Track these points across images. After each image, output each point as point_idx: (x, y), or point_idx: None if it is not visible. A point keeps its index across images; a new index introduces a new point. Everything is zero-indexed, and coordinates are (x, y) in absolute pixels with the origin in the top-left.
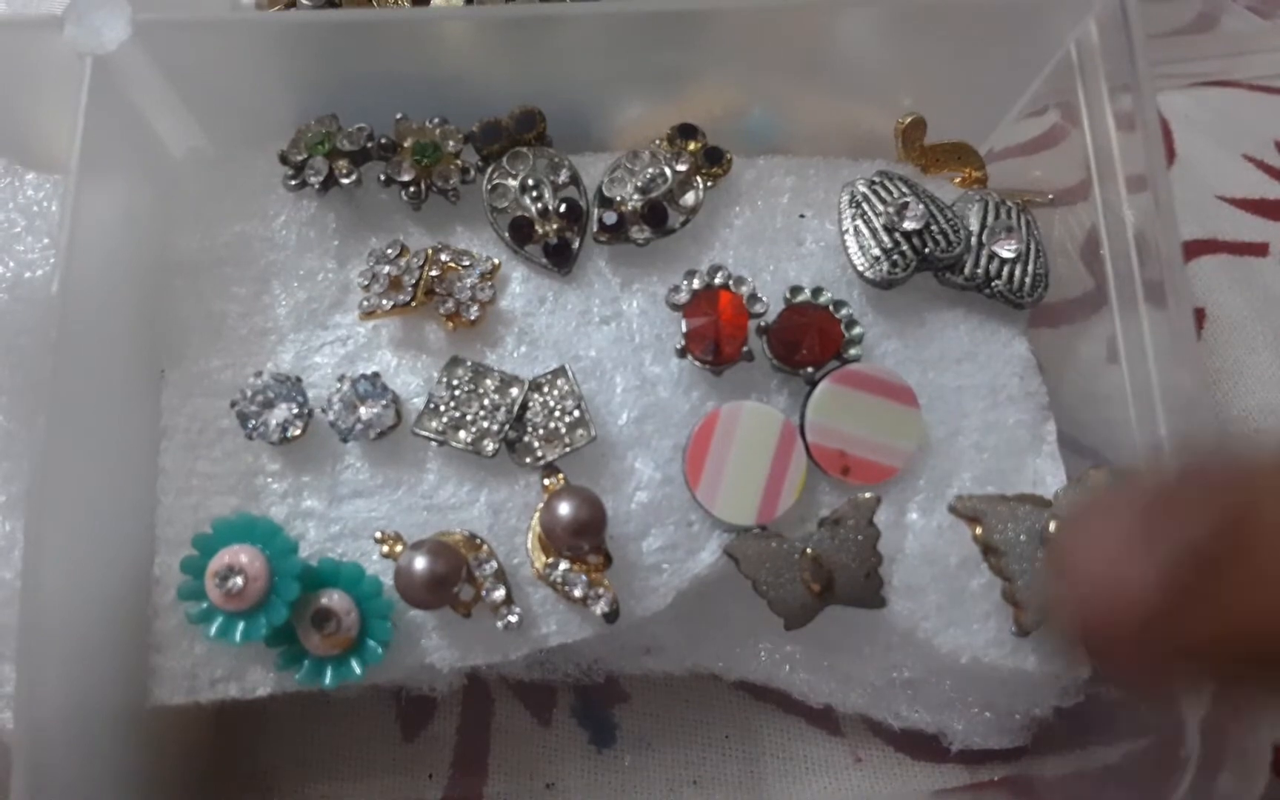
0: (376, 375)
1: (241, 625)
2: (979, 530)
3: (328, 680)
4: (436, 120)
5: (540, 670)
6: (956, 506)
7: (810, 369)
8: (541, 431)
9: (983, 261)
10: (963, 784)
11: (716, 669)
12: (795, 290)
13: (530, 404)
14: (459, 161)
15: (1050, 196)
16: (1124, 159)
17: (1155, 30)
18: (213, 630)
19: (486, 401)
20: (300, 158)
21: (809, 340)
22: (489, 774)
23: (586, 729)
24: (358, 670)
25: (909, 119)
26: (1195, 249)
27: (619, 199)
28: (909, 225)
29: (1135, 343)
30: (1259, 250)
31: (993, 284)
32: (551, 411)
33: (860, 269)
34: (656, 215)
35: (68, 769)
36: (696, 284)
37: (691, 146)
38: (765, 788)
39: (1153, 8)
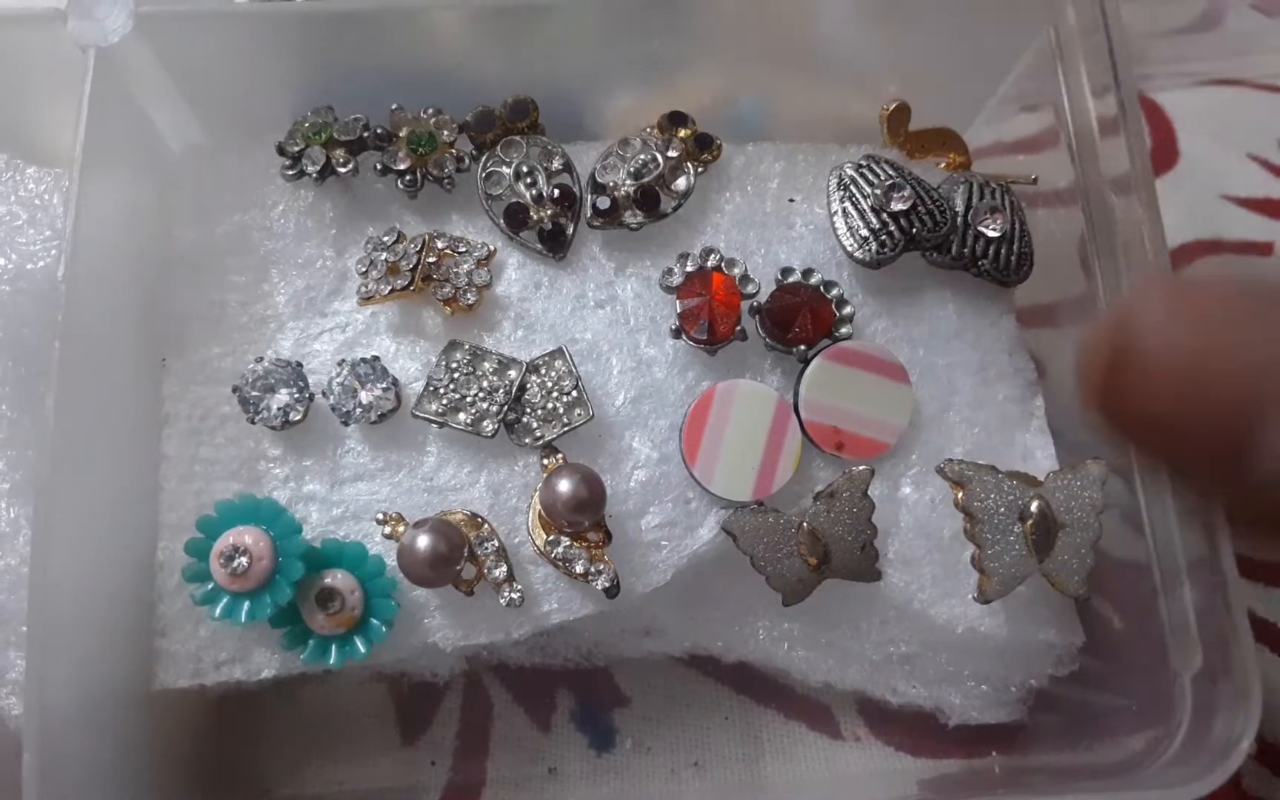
0: (376, 359)
1: (246, 605)
2: (961, 495)
3: (332, 659)
4: (431, 110)
5: (541, 654)
6: (945, 470)
7: (803, 347)
8: (540, 412)
9: (969, 241)
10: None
11: (715, 649)
12: (786, 272)
13: (528, 385)
14: (454, 150)
15: (1034, 178)
16: (1106, 158)
17: (1159, 29)
18: (218, 611)
19: (485, 383)
20: (297, 148)
21: (801, 319)
22: (488, 781)
23: (586, 733)
24: (362, 649)
25: (893, 105)
26: (1200, 249)
27: (612, 184)
28: (896, 206)
29: None
30: (1264, 250)
31: (979, 263)
32: (549, 392)
33: (849, 250)
34: (649, 200)
35: (75, 754)
36: (690, 266)
37: (682, 133)
38: (765, 766)
39: (1157, 6)
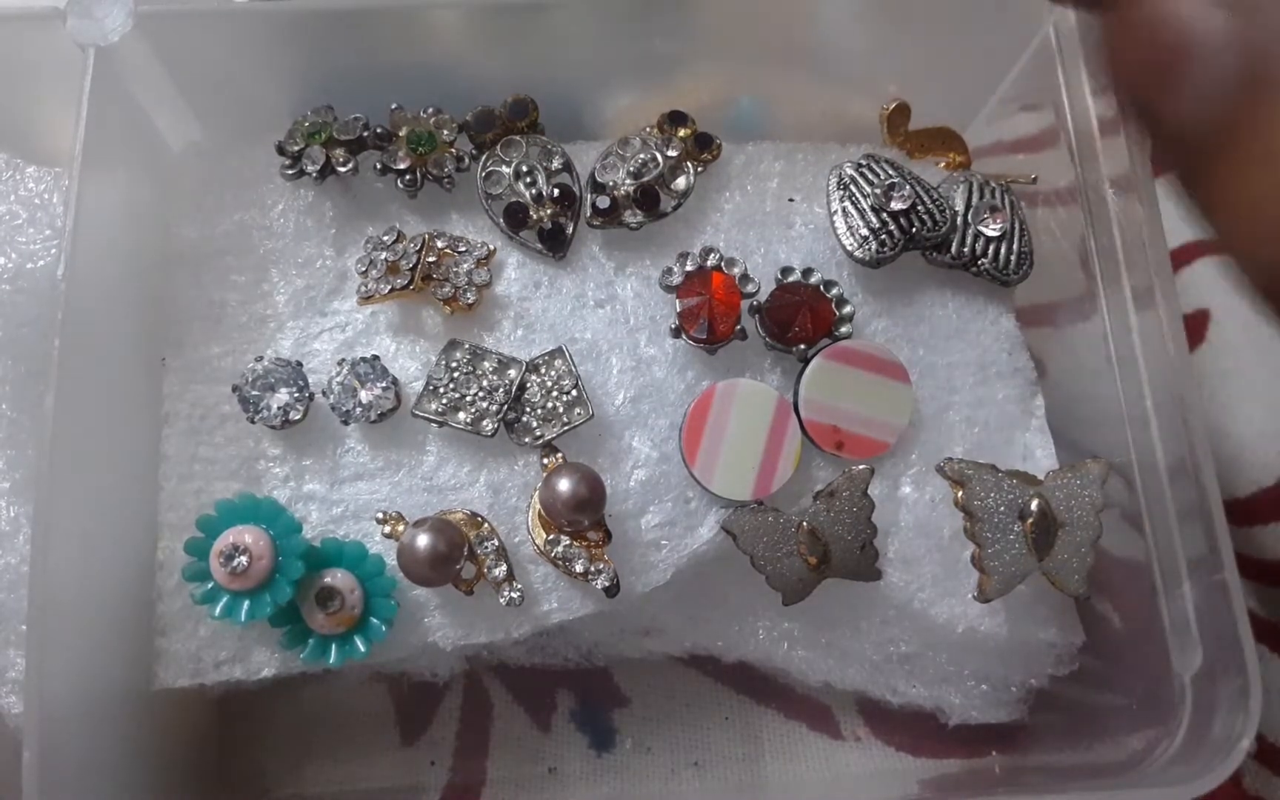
0: (376, 358)
1: (246, 604)
2: (960, 494)
3: (332, 659)
4: (430, 110)
5: (541, 655)
6: (945, 469)
7: (802, 346)
8: (540, 411)
9: (969, 240)
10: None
11: (715, 649)
12: (786, 271)
13: (528, 385)
14: (454, 150)
15: (1034, 178)
16: (1106, 157)
17: None
18: (218, 610)
19: (485, 383)
20: (297, 148)
21: (801, 318)
22: (488, 781)
23: (586, 733)
24: (362, 648)
25: (893, 105)
26: (1199, 250)
27: (611, 184)
28: (896, 205)
29: (1125, 344)
30: None
31: (979, 262)
32: (549, 391)
33: (849, 249)
34: (649, 199)
35: (76, 753)
36: (689, 266)
37: (682, 133)
38: (765, 767)
39: None
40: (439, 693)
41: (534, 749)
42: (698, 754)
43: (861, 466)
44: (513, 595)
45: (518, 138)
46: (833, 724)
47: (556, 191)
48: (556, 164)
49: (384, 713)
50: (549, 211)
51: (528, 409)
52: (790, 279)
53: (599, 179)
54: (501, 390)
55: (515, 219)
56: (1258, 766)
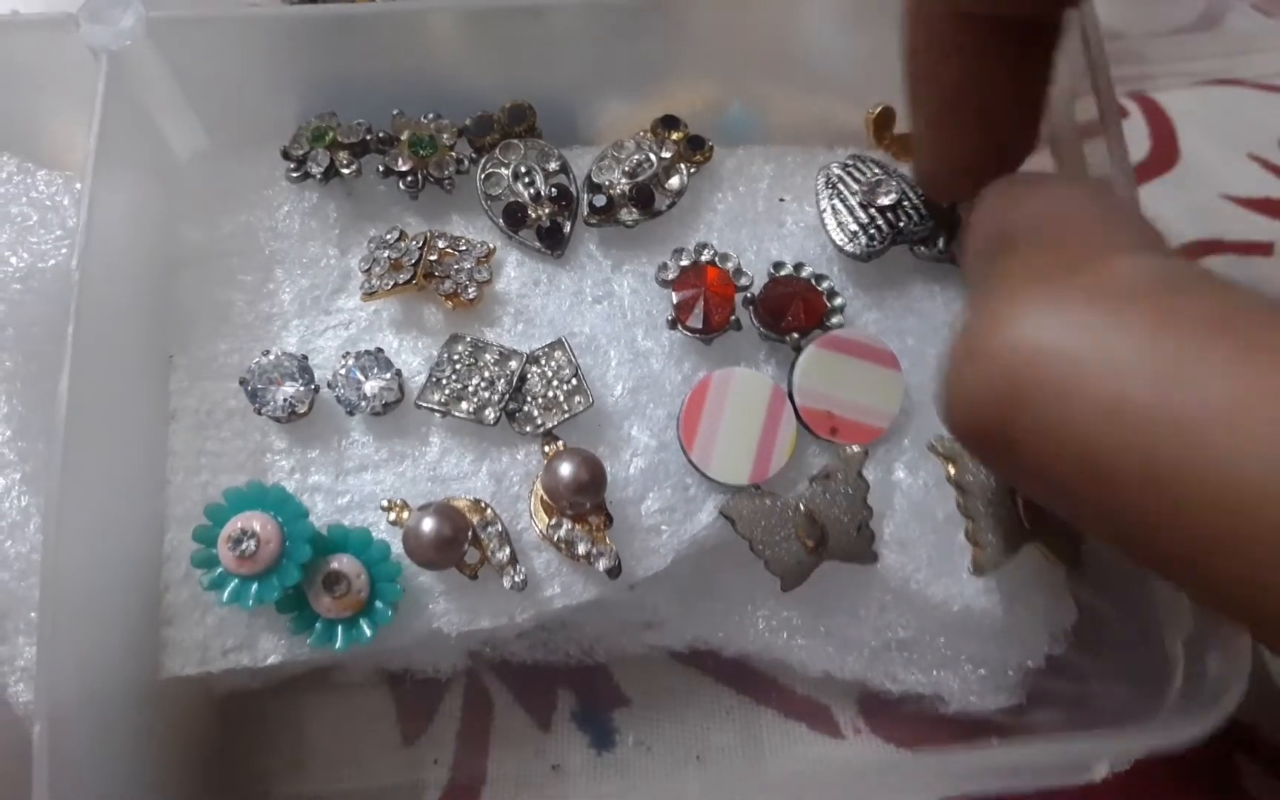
0: (380, 350)
1: (255, 588)
2: (953, 469)
3: (339, 643)
4: (431, 116)
5: (543, 650)
6: (936, 446)
7: (796, 336)
8: (540, 400)
9: (956, 235)
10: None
11: (716, 641)
12: (778, 266)
13: (529, 376)
14: (454, 153)
15: None
16: (1089, 160)
17: (1158, 29)
18: (226, 595)
19: (486, 374)
20: (301, 152)
21: (794, 308)
22: (488, 779)
23: (586, 732)
24: (368, 632)
25: (878, 109)
26: (1200, 250)
27: (607, 184)
28: (883, 200)
29: None
30: (1264, 250)
31: None
32: (550, 381)
33: (839, 244)
34: (644, 197)
35: (83, 743)
36: (684, 261)
37: (674, 136)
38: (765, 766)
39: (1156, 6)
40: (440, 691)
41: (535, 748)
42: (698, 752)
43: (856, 448)
44: (516, 578)
45: (516, 141)
46: (832, 723)
47: (554, 191)
48: (554, 166)
49: (384, 712)
50: (547, 211)
51: (529, 399)
52: (783, 273)
53: (595, 180)
54: (503, 381)
55: (514, 218)
56: (1260, 770)
